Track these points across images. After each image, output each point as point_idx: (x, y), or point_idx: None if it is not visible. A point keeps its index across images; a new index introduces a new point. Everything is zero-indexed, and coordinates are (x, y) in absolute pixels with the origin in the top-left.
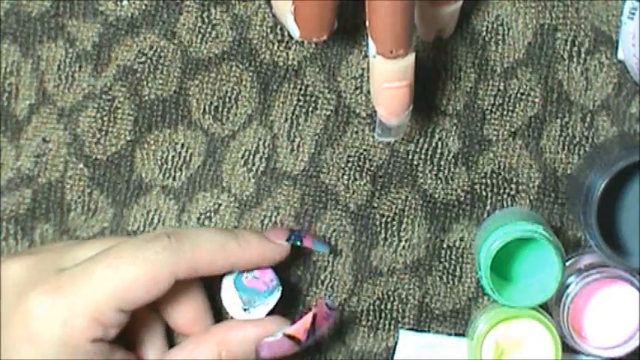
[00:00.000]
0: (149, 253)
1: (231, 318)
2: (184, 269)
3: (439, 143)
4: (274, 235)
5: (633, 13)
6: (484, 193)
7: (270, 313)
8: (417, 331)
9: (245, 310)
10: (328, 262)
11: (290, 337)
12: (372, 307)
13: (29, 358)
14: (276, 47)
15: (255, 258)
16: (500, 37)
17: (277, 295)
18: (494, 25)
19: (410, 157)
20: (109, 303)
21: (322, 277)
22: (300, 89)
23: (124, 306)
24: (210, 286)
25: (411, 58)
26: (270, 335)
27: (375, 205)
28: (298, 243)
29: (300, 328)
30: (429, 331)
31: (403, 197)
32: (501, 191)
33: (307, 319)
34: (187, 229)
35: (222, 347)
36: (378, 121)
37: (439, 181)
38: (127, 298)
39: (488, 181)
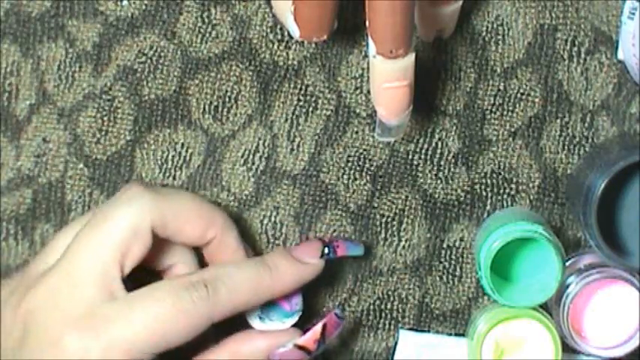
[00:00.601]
0: (187, 304)
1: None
2: (221, 315)
3: (439, 143)
4: (306, 253)
5: (633, 13)
6: (484, 193)
7: None
8: (417, 331)
9: (260, 318)
10: (329, 260)
11: (300, 347)
12: (372, 307)
13: None
14: (276, 47)
15: (290, 286)
16: (500, 37)
17: (296, 318)
18: (494, 25)
19: (410, 157)
20: (144, 347)
21: (322, 275)
22: (300, 89)
23: (158, 350)
24: None
25: (411, 58)
26: (281, 346)
27: (375, 205)
28: (332, 256)
29: (310, 338)
30: (429, 331)
31: (403, 197)
32: (501, 191)
33: (317, 329)
34: (223, 268)
35: (235, 358)
36: (378, 121)
37: (439, 181)
38: (162, 344)
39: (488, 181)
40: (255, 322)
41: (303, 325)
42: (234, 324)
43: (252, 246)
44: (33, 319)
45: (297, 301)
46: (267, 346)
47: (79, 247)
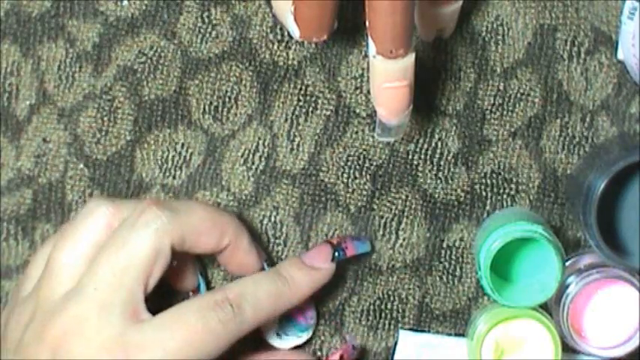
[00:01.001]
0: (215, 325)
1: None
2: (246, 332)
3: (439, 143)
4: (318, 259)
5: (633, 13)
6: (484, 193)
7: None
8: (416, 331)
9: (278, 335)
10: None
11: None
12: (372, 307)
13: None
14: (276, 47)
15: (306, 293)
16: (500, 37)
17: (310, 332)
18: (494, 25)
19: (410, 157)
20: None
21: None
22: (300, 89)
23: None
24: None
25: (411, 58)
26: None
27: (375, 204)
28: (343, 258)
29: None
30: (429, 331)
31: (403, 197)
32: (501, 191)
33: (335, 359)
34: (244, 284)
35: None
36: (378, 121)
37: (439, 181)
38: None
39: (488, 181)
40: (273, 339)
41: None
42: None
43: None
44: (62, 346)
45: (312, 315)
46: None
47: (104, 273)
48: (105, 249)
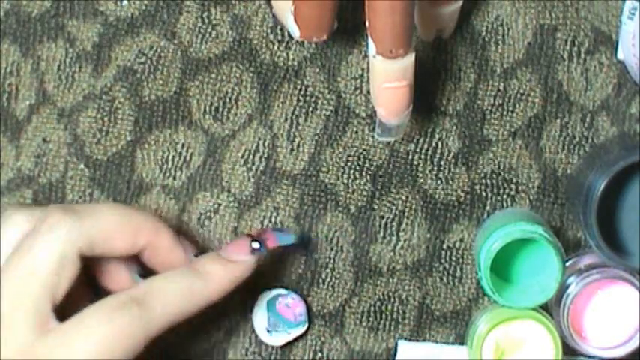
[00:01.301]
0: (121, 325)
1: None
2: (158, 329)
3: (439, 143)
4: (235, 252)
5: (633, 13)
6: (484, 194)
7: (290, 343)
8: (417, 334)
9: (268, 331)
10: (329, 260)
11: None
12: (372, 308)
13: None
14: (276, 47)
15: (225, 287)
16: (500, 37)
17: (301, 329)
18: (494, 25)
19: (410, 157)
20: None
21: (323, 276)
22: (300, 89)
23: None
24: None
25: (410, 58)
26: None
27: (375, 205)
28: (263, 250)
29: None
30: (429, 332)
31: (403, 197)
32: (501, 191)
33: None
34: (151, 282)
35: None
36: (378, 121)
37: (439, 181)
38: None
39: (488, 181)
40: (263, 335)
41: (310, 333)
42: (241, 333)
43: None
44: None
45: (301, 312)
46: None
47: (7, 283)
48: (9, 258)
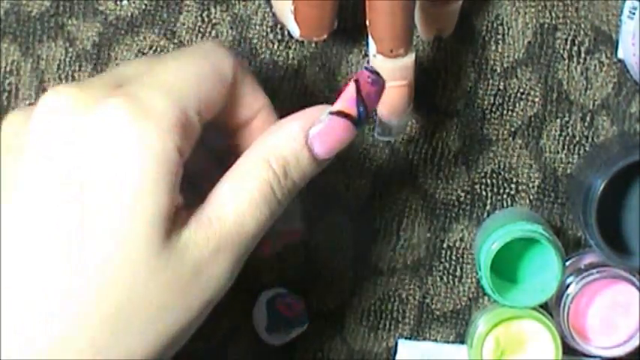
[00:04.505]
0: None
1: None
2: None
3: (439, 143)
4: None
5: (633, 13)
6: (484, 193)
7: (290, 343)
8: (417, 333)
9: (268, 331)
10: (329, 260)
11: (339, 114)
12: (372, 307)
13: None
14: (276, 46)
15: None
16: (500, 36)
17: (301, 329)
18: (494, 25)
19: (410, 157)
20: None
21: (323, 276)
22: (300, 89)
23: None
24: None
25: (411, 58)
26: (317, 122)
27: (375, 205)
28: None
29: (346, 100)
30: (429, 332)
31: (403, 197)
32: (501, 191)
33: (350, 89)
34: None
35: (270, 155)
36: (377, 120)
37: (439, 181)
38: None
39: (488, 181)
40: (263, 334)
41: (310, 333)
42: (241, 333)
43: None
44: None
45: (301, 312)
46: (300, 127)
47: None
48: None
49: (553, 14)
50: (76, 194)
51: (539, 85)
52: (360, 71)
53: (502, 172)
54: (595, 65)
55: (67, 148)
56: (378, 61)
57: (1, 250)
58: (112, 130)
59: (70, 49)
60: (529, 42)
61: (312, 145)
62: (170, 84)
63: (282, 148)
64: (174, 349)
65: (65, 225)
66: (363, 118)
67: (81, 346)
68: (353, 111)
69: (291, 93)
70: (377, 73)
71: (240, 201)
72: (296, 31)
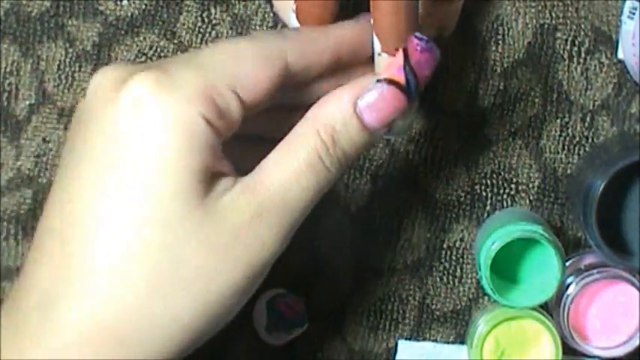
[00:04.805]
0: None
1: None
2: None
3: (439, 143)
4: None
5: (633, 13)
6: (484, 193)
7: (290, 343)
8: (417, 334)
9: (268, 331)
10: (329, 260)
11: (386, 81)
12: (372, 308)
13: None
14: None
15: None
16: (500, 36)
17: (301, 330)
18: (494, 25)
19: (410, 157)
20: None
21: (323, 276)
22: None
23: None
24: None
25: None
26: (366, 90)
27: (375, 205)
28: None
29: (392, 67)
30: (429, 332)
31: (403, 197)
32: (501, 191)
33: (398, 56)
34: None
35: (318, 124)
36: None
37: (439, 181)
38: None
39: (488, 181)
40: (263, 334)
41: (310, 333)
42: (241, 333)
43: None
44: None
45: (302, 312)
46: (349, 97)
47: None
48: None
49: (553, 14)
50: (113, 161)
51: (539, 85)
52: (409, 38)
53: (502, 172)
54: (595, 65)
55: (105, 117)
56: (383, 60)
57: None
58: (138, 99)
59: (70, 50)
60: (529, 42)
61: (362, 114)
62: (201, 61)
63: (330, 116)
64: (220, 319)
65: (106, 187)
66: (413, 86)
67: (128, 308)
68: (400, 78)
69: None
70: (427, 41)
71: (285, 168)
72: None
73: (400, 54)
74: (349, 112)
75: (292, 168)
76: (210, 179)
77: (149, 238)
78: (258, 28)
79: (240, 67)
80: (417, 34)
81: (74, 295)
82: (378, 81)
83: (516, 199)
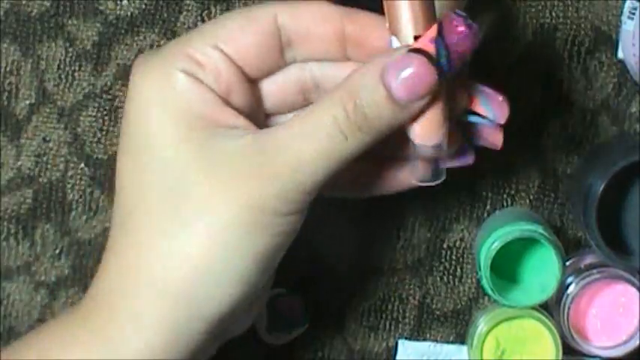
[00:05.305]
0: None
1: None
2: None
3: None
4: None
5: (633, 13)
6: (484, 193)
7: (290, 343)
8: (417, 333)
9: (268, 331)
10: (329, 260)
11: (417, 51)
12: (372, 307)
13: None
14: None
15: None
16: (500, 37)
17: (301, 330)
18: (494, 25)
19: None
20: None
21: (323, 276)
22: None
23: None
24: None
25: None
26: (394, 60)
27: (375, 205)
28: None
29: (424, 38)
30: (429, 332)
31: (403, 197)
32: (501, 191)
33: (432, 29)
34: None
35: (343, 93)
36: (414, 152)
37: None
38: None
39: (488, 181)
40: (264, 335)
41: (310, 333)
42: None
43: None
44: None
45: (301, 312)
46: (377, 63)
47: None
48: None
49: (553, 14)
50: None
51: (539, 85)
52: (446, 13)
53: (502, 172)
54: (595, 65)
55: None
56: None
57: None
58: (132, 82)
59: (70, 49)
60: (529, 42)
61: (389, 83)
62: (189, 32)
63: (355, 83)
64: (263, 267)
65: (127, 164)
66: (444, 62)
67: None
68: (431, 49)
69: None
70: (466, 17)
71: (297, 132)
72: None
73: (434, 27)
74: (374, 79)
75: (305, 132)
76: (213, 128)
77: (149, 165)
78: None
79: (221, 25)
80: (459, 11)
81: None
82: (409, 51)
83: (516, 199)
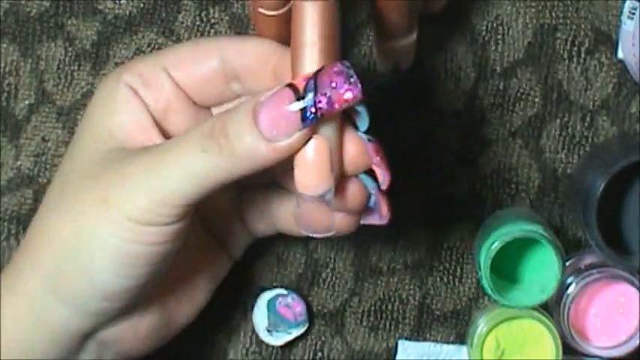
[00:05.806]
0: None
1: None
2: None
3: (439, 143)
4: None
5: (633, 13)
6: (484, 193)
7: (290, 343)
8: (417, 334)
9: (268, 331)
10: (329, 260)
11: (287, 85)
12: (372, 308)
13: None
14: None
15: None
16: (500, 36)
17: (301, 330)
18: (494, 25)
19: (410, 156)
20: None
21: (323, 276)
22: None
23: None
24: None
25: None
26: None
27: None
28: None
29: (301, 77)
30: (429, 332)
31: (403, 197)
32: (501, 191)
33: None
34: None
35: (218, 120)
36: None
37: (439, 181)
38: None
39: (488, 181)
40: (264, 335)
41: (310, 333)
42: (241, 333)
43: (250, 248)
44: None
45: (302, 312)
46: (255, 99)
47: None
48: None
49: (553, 14)
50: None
51: (539, 85)
52: (332, 61)
53: (502, 172)
54: (595, 65)
55: None
56: None
57: None
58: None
59: (70, 49)
60: (529, 42)
61: (257, 110)
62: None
63: (231, 112)
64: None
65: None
66: (310, 101)
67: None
68: (300, 85)
69: None
70: (349, 67)
71: (168, 144)
72: None
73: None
74: (245, 109)
75: (176, 142)
76: (126, 143)
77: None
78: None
79: (173, 52)
80: (345, 61)
81: None
82: (285, 85)
83: (516, 199)
